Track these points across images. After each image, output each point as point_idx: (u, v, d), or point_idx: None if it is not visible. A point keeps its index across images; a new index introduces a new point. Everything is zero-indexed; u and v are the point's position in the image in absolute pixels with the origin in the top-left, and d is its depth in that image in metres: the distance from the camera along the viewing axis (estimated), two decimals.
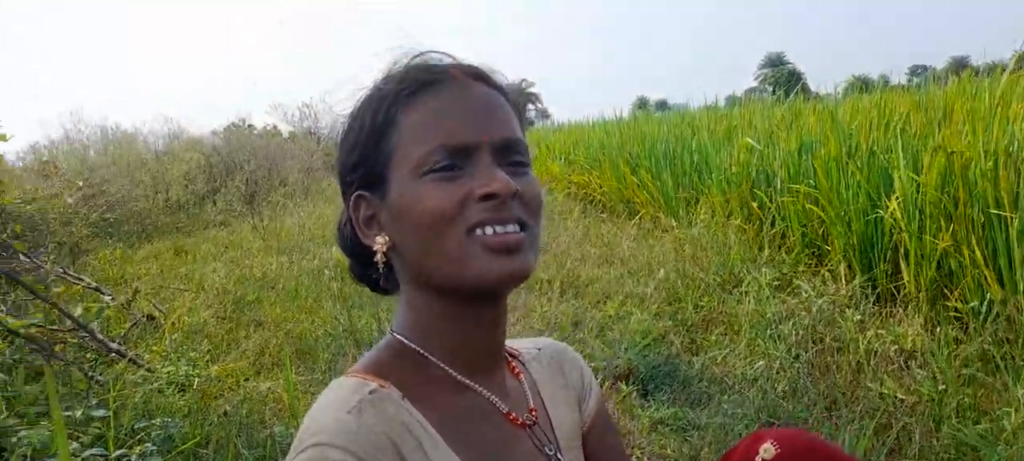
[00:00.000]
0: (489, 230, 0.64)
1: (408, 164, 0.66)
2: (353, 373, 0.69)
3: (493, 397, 0.72)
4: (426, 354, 0.71)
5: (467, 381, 0.71)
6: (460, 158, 0.65)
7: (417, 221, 0.65)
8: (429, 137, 0.66)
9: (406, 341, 0.71)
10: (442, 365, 0.70)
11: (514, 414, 0.74)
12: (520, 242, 0.66)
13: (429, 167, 0.65)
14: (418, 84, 0.68)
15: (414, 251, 0.68)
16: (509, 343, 0.85)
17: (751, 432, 0.91)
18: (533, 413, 0.77)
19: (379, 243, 0.70)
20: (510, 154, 0.68)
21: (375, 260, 0.71)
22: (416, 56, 0.72)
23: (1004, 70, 3.24)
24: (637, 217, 5.62)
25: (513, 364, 0.82)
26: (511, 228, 0.65)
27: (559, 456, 0.77)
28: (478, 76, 0.71)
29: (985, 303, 2.55)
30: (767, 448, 0.84)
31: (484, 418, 0.71)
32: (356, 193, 0.71)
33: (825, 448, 0.85)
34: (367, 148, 0.69)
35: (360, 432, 0.60)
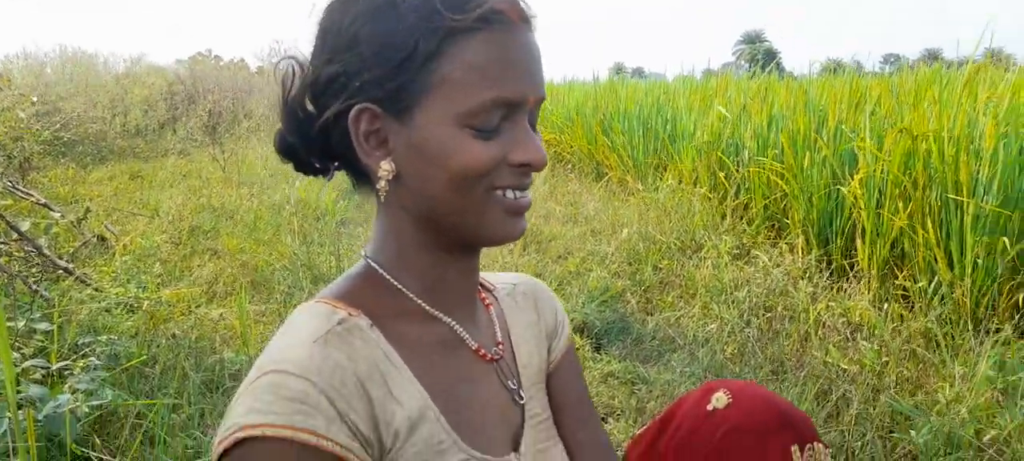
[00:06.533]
0: (510, 194, 0.65)
1: (451, 107, 0.61)
2: (323, 299, 0.68)
3: (462, 330, 0.72)
4: (400, 286, 0.70)
5: (438, 313, 0.71)
6: (506, 115, 0.63)
7: (446, 171, 0.62)
8: (484, 87, 0.61)
9: (380, 270, 0.70)
10: (415, 297, 0.70)
11: (483, 349, 0.74)
12: (529, 205, 0.68)
13: (477, 123, 0.61)
14: (477, 18, 0.61)
15: (428, 194, 0.64)
16: (486, 276, 0.84)
17: (702, 384, 0.93)
18: (500, 347, 0.77)
19: (385, 169, 0.65)
20: (535, 114, 0.68)
21: (377, 187, 0.66)
22: None
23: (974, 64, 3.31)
24: (605, 179, 5.63)
25: (485, 297, 0.82)
26: (528, 194, 0.67)
27: (521, 393, 0.77)
28: (526, 19, 0.65)
29: (933, 283, 2.64)
30: (719, 397, 0.87)
31: (451, 350, 0.71)
32: (363, 103, 0.63)
33: (775, 399, 0.87)
34: (402, 70, 0.61)
35: (325, 364, 0.59)
